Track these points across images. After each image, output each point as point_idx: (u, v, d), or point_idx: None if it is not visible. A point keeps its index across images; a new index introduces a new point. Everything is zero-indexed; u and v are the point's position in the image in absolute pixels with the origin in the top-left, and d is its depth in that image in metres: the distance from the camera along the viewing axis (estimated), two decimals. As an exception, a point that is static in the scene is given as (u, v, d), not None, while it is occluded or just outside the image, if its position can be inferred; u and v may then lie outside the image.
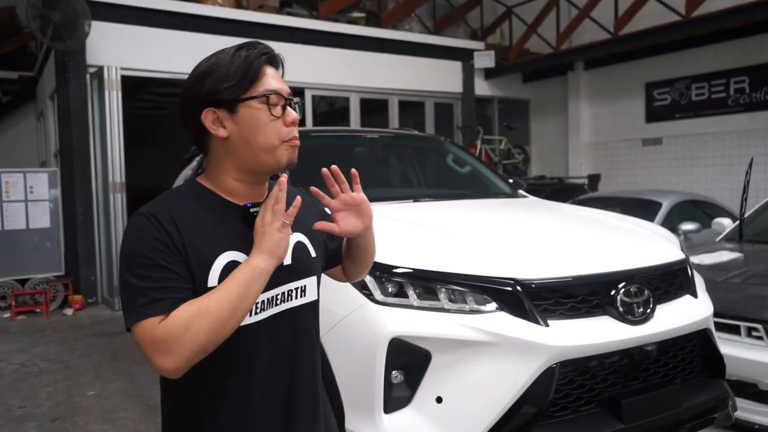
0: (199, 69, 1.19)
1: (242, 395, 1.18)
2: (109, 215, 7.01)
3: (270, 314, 1.21)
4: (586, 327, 2.17)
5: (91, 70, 7.13)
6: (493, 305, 2.13)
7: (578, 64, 10.32)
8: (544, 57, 10.02)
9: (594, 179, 8.74)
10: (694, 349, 2.47)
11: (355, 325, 2.17)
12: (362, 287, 2.19)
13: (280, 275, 1.19)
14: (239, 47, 1.19)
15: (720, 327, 3.14)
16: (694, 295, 2.58)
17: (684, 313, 2.43)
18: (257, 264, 1.11)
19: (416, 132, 4.41)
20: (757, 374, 3.06)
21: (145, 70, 7.40)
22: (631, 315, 2.25)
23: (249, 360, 1.18)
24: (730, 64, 8.49)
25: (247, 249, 1.16)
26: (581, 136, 10.45)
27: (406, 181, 4.08)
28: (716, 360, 2.54)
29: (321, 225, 1.28)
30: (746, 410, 3.06)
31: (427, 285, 2.18)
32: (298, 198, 1.18)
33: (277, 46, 1.24)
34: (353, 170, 1.32)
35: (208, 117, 1.16)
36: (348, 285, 2.20)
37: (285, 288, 1.23)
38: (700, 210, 6.12)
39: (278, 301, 1.22)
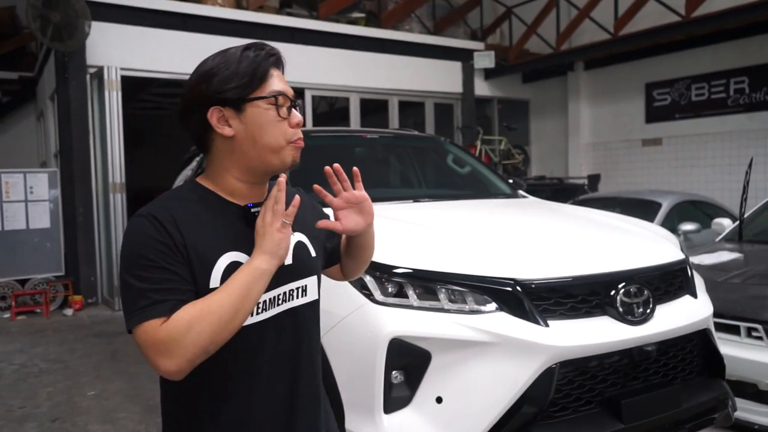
0: (204, 67, 1.18)
1: (244, 395, 1.18)
2: (109, 215, 7.01)
3: (272, 314, 1.21)
4: (585, 327, 2.18)
5: (91, 70, 7.13)
6: (492, 305, 2.13)
7: (578, 64, 10.32)
8: (543, 57, 10.03)
9: (594, 179, 8.74)
10: (694, 350, 2.47)
11: (355, 326, 2.17)
12: (362, 287, 2.20)
13: (282, 275, 1.19)
14: (246, 47, 1.19)
15: (720, 327, 3.14)
16: (694, 295, 2.58)
17: (684, 314, 2.44)
18: (259, 265, 1.11)
19: (416, 132, 4.42)
20: (757, 374, 3.06)
21: (145, 70, 7.40)
22: (630, 315, 2.25)
23: (251, 360, 1.18)
24: (730, 65, 8.49)
25: (248, 249, 1.16)
26: (581, 136, 10.45)
27: (406, 182, 4.08)
28: (716, 360, 2.54)
29: (324, 223, 1.29)
30: (746, 410, 3.07)
31: (427, 285, 2.18)
32: (297, 197, 1.19)
33: (277, 47, 1.24)
34: (355, 168, 1.33)
35: (213, 115, 1.16)
36: (348, 285, 2.20)
37: (286, 288, 1.23)
38: (700, 210, 6.12)
39: (280, 301, 1.22)
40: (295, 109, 1.22)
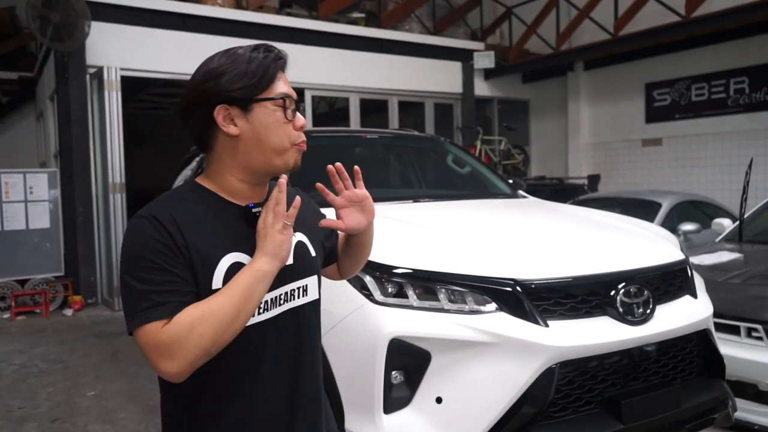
0: (211, 65, 1.18)
1: (246, 396, 1.18)
2: (108, 216, 7.01)
3: (274, 314, 1.21)
4: (585, 327, 2.17)
5: (91, 70, 7.13)
6: (492, 305, 2.13)
7: (578, 64, 10.32)
8: (543, 57, 10.03)
9: (594, 180, 8.74)
10: (694, 350, 2.47)
11: (355, 326, 2.17)
12: (362, 287, 2.20)
13: (283, 275, 1.19)
14: (255, 48, 1.20)
15: (720, 327, 3.14)
16: (694, 295, 2.58)
17: (684, 314, 2.43)
18: (260, 266, 1.11)
19: (416, 132, 4.42)
20: (757, 375, 3.06)
21: (144, 70, 7.40)
22: (630, 315, 2.25)
23: (253, 361, 1.18)
24: (730, 65, 8.49)
25: (249, 250, 1.16)
26: (581, 136, 10.45)
27: (405, 182, 4.08)
28: (716, 360, 2.54)
29: (328, 222, 1.30)
30: (746, 411, 3.06)
31: (426, 285, 2.18)
32: (298, 198, 1.19)
33: (277, 47, 1.24)
34: (356, 167, 1.34)
35: (220, 113, 1.16)
36: (348, 285, 2.20)
37: (288, 288, 1.23)
38: (700, 210, 6.12)
39: (281, 301, 1.22)
40: (300, 112, 1.23)
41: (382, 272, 2.18)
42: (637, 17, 8.51)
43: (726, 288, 3.39)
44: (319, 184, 1.31)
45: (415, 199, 3.46)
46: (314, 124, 9.30)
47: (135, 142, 9.00)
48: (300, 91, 8.31)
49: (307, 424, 1.26)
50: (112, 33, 7.11)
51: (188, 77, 1.23)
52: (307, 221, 1.32)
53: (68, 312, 6.75)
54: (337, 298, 2.18)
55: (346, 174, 1.31)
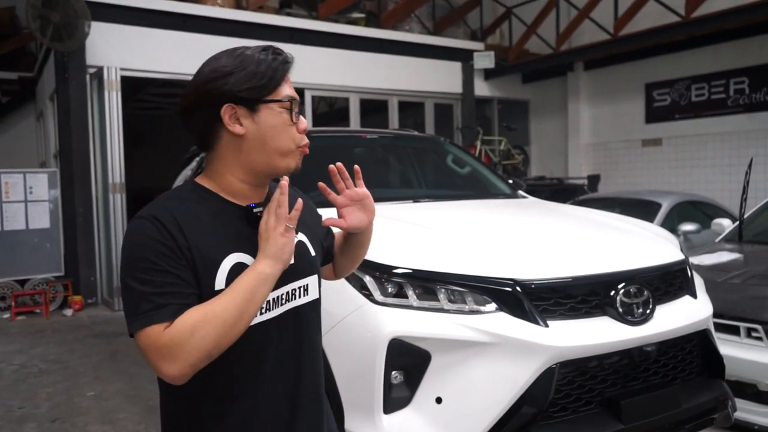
0: (218, 64, 1.17)
1: (248, 396, 1.18)
2: (108, 216, 7.01)
3: (275, 314, 1.21)
4: (585, 327, 2.17)
5: (91, 70, 7.13)
6: (492, 306, 2.13)
7: (578, 64, 10.32)
8: (543, 58, 10.03)
9: (594, 180, 8.74)
10: (694, 350, 2.47)
11: (355, 326, 2.17)
12: (362, 288, 2.20)
13: (284, 275, 1.19)
14: (263, 49, 1.20)
15: (719, 327, 3.14)
16: (694, 295, 2.58)
17: (683, 314, 2.43)
18: (263, 269, 1.11)
19: (416, 132, 4.42)
20: (757, 375, 3.06)
21: (144, 70, 7.40)
22: (630, 315, 2.25)
23: (255, 361, 1.18)
24: (730, 65, 8.50)
25: (251, 250, 1.15)
26: (581, 136, 10.45)
27: (405, 182, 4.07)
28: (716, 360, 2.54)
29: (330, 221, 1.32)
30: (746, 411, 3.07)
31: (426, 285, 2.18)
32: (300, 201, 1.18)
33: (285, 50, 1.24)
34: (356, 166, 1.36)
35: (226, 112, 1.16)
36: (348, 285, 2.20)
37: (289, 287, 1.24)
38: (700, 211, 6.13)
39: (283, 301, 1.22)
40: (303, 115, 1.24)
41: (382, 272, 2.18)
42: (637, 17, 8.52)
43: (726, 288, 3.39)
44: (321, 184, 1.33)
45: (415, 199, 3.46)
46: (314, 125, 9.29)
47: (135, 142, 9.00)
48: (300, 91, 8.31)
49: (307, 424, 1.26)
50: (111, 33, 7.11)
51: (188, 77, 1.22)
52: (306, 221, 1.32)
53: (68, 312, 6.75)
54: (337, 298, 2.18)
55: (347, 173, 1.32)
